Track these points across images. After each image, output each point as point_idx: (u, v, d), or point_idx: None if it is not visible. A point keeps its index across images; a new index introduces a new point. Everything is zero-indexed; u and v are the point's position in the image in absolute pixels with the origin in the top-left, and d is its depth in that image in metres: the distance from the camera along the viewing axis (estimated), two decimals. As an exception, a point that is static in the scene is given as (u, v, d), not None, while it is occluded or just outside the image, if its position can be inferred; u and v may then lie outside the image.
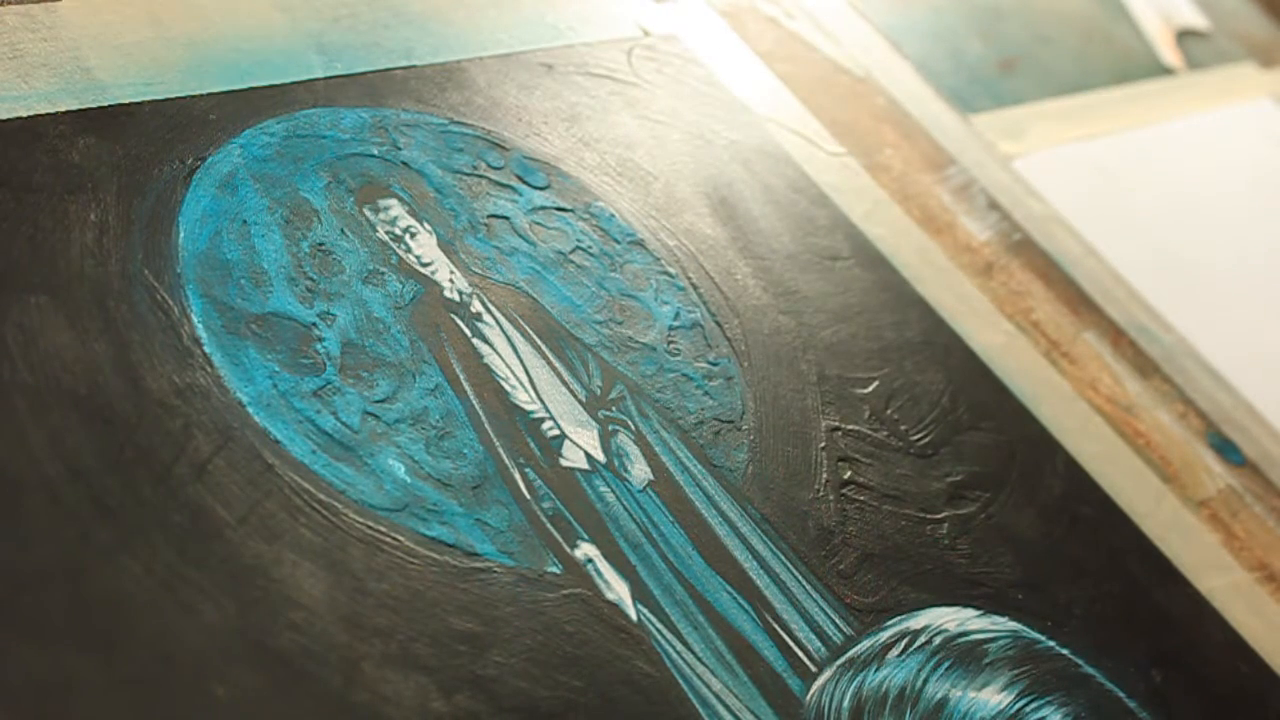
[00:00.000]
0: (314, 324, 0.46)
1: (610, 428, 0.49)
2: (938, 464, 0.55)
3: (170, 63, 0.52)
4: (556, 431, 0.48)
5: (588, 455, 0.48)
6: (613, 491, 0.47)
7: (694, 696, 0.43)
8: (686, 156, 0.63)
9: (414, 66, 0.59)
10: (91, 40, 0.51)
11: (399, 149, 0.54)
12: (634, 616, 0.44)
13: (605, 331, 0.52)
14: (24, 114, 0.47)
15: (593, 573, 0.44)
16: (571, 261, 0.53)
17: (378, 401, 0.45)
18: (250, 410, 0.43)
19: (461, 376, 0.48)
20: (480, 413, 0.47)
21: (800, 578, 0.47)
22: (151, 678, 0.35)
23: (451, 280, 0.51)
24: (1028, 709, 0.48)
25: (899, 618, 0.48)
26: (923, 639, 0.48)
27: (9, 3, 0.51)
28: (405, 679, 0.39)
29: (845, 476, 0.52)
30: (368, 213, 0.51)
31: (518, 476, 0.46)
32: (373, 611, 0.40)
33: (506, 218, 0.54)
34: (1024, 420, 0.60)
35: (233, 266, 0.47)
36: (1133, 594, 0.55)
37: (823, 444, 0.53)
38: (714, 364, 0.53)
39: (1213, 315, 0.75)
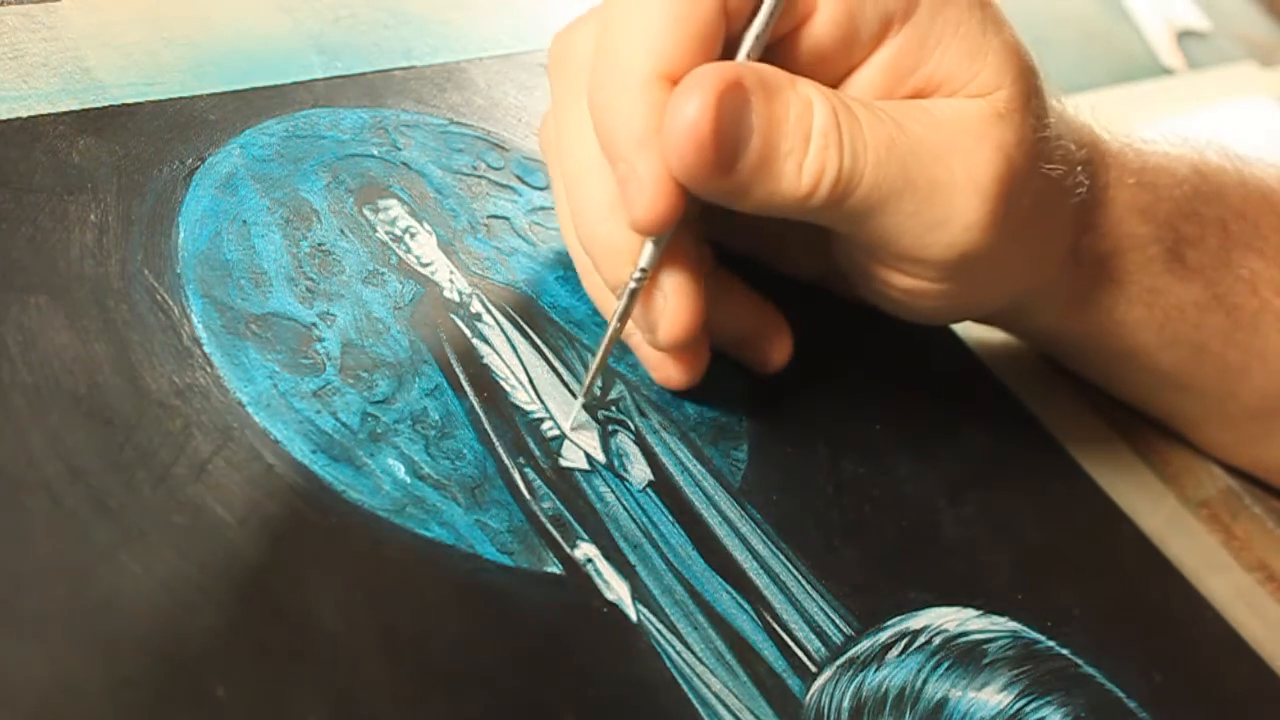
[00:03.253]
0: (314, 324, 0.46)
1: (610, 428, 0.49)
2: (938, 464, 0.55)
3: (170, 63, 0.52)
4: (556, 431, 0.48)
5: (587, 455, 0.48)
6: (612, 491, 0.47)
7: (694, 696, 0.42)
8: (686, 157, 0.63)
9: (413, 67, 0.59)
10: (91, 40, 0.51)
11: (399, 149, 0.54)
12: (634, 617, 0.44)
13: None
14: (24, 114, 0.47)
15: (593, 573, 0.44)
16: (571, 261, 0.52)
17: (377, 402, 0.45)
18: (250, 410, 0.43)
19: (461, 377, 0.48)
20: (480, 413, 0.47)
21: (800, 578, 0.47)
22: (151, 678, 0.35)
23: (451, 280, 0.51)
24: (1027, 709, 0.48)
25: (899, 618, 0.48)
26: (922, 639, 0.48)
27: (9, 3, 0.51)
28: (406, 679, 0.39)
29: (845, 476, 0.52)
30: (367, 213, 0.51)
31: (517, 477, 0.46)
32: (373, 611, 0.40)
33: (506, 218, 0.54)
34: (1024, 421, 0.60)
35: (233, 267, 0.47)
36: (1133, 594, 0.55)
37: (823, 443, 0.53)
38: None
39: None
